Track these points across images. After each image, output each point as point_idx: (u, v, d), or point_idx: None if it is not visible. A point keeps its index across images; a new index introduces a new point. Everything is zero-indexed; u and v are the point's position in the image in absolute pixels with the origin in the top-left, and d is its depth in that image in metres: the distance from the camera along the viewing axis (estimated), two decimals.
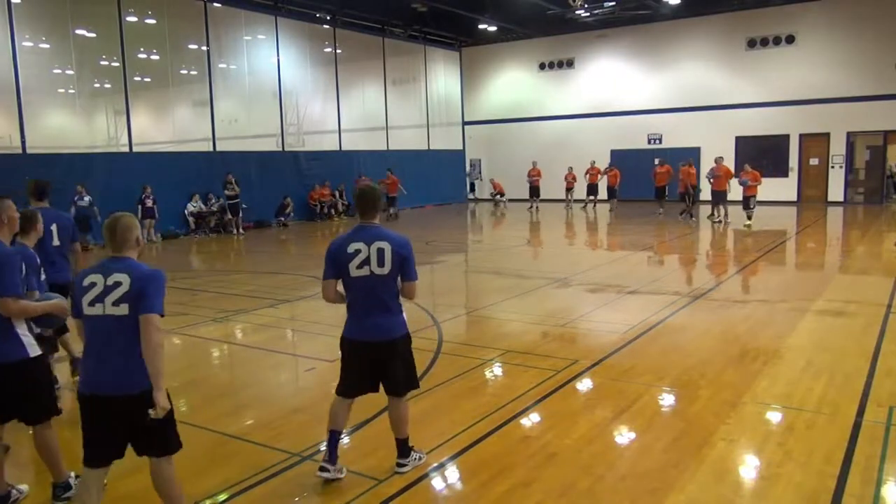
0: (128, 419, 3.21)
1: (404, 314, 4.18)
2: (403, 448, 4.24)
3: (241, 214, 19.60)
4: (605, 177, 23.55)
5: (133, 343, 3.16)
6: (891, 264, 11.32)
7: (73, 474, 4.00)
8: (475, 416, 5.07)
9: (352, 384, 4.18)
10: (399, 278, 4.05)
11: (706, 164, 21.63)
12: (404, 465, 4.22)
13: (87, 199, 16.12)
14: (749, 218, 17.42)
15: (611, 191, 23.47)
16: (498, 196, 27.88)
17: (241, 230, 19.59)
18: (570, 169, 24.53)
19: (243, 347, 7.85)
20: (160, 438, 3.31)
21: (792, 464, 4.19)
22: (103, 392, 3.22)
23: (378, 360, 4.11)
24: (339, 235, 4.16)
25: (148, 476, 3.40)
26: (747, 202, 17.57)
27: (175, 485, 3.42)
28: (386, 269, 3.96)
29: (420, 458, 4.30)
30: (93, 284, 3.23)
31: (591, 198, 23.89)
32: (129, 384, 3.18)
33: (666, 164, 21.70)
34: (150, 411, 3.13)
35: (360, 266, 3.95)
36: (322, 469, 4.06)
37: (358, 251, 3.95)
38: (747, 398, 5.32)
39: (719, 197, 18.14)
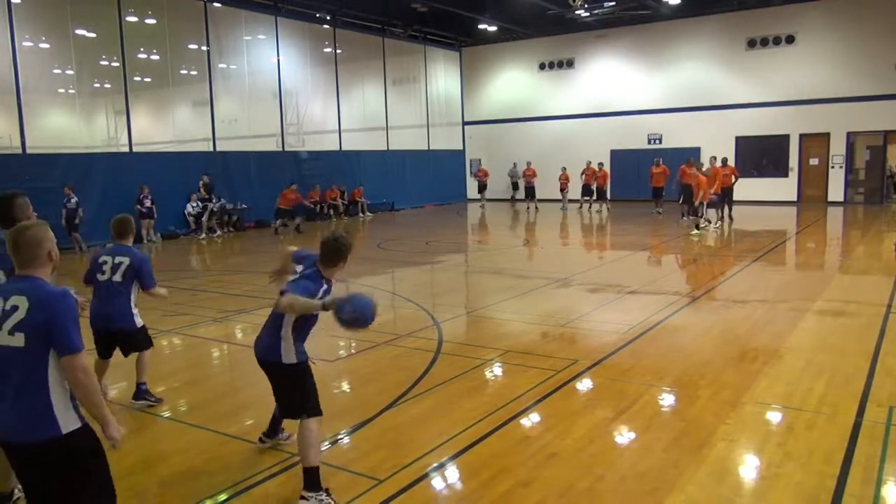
0: (34, 469, 2.71)
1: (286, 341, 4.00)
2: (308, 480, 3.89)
3: (211, 218, 19.16)
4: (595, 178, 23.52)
5: (34, 379, 2.66)
6: (891, 264, 11.32)
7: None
8: (475, 416, 5.07)
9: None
10: None
11: (705, 165, 21.57)
12: (306, 500, 3.82)
13: (73, 200, 16.09)
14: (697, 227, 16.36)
15: (600, 191, 23.48)
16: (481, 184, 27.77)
17: (216, 232, 19.10)
18: (564, 169, 24.50)
19: (243, 347, 7.84)
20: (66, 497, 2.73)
21: (792, 464, 4.19)
22: (3, 437, 2.72)
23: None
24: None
25: (152, 474, 3.38)
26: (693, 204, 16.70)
27: None
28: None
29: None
30: None
31: (587, 198, 23.87)
32: (31, 429, 2.65)
33: (662, 164, 21.69)
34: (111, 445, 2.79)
35: None
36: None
37: None
38: (747, 398, 5.32)
39: (713, 199, 17.46)
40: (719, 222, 17.87)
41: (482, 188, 27.41)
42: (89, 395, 2.71)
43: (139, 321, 5.46)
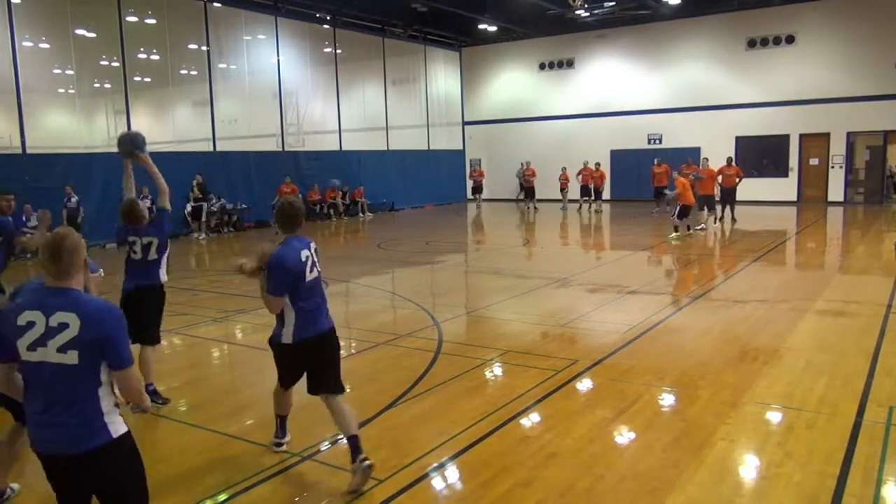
0: (86, 478, 2.71)
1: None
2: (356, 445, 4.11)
3: (204, 219, 19.07)
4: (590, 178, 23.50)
5: (86, 392, 2.66)
6: (891, 264, 11.32)
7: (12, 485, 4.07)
8: (475, 416, 5.07)
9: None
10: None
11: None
12: (367, 461, 4.03)
13: (74, 199, 16.13)
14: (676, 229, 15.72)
15: (596, 192, 23.43)
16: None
17: (205, 234, 18.96)
18: (564, 169, 24.51)
19: (243, 347, 7.85)
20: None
21: (792, 464, 4.19)
22: (55, 451, 2.69)
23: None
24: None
25: (151, 474, 3.36)
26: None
27: None
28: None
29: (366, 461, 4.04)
30: (31, 324, 2.62)
31: (586, 198, 23.86)
32: (85, 438, 2.66)
33: (664, 164, 21.68)
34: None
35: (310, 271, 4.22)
36: (277, 444, 4.64)
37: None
38: (747, 398, 5.32)
39: (706, 201, 17.26)
40: (718, 222, 17.87)
41: (478, 189, 27.53)
42: (140, 398, 2.86)
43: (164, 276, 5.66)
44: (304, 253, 4.14)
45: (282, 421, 4.66)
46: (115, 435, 2.71)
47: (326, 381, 4.23)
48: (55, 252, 2.65)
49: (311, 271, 4.18)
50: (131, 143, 5.86)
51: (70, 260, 2.69)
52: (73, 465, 2.67)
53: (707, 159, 18.36)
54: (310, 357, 4.22)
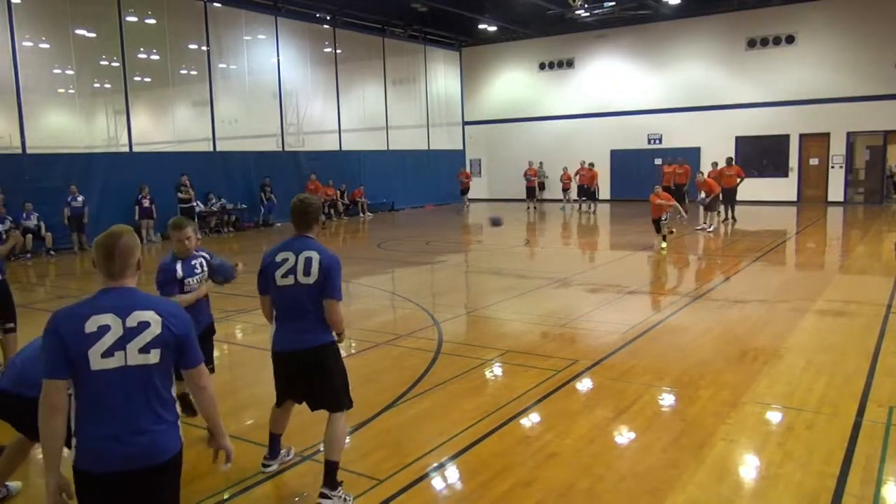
0: (147, 493, 2.55)
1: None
2: (330, 475, 3.83)
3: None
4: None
5: (163, 397, 2.57)
6: (891, 264, 11.32)
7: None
8: (475, 416, 5.07)
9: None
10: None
11: (705, 165, 21.54)
12: (326, 499, 3.77)
13: (80, 198, 16.14)
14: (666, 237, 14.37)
15: (589, 191, 23.45)
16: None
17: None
18: (565, 169, 24.53)
19: (243, 347, 7.85)
20: None
21: (792, 464, 4.19)
22: (136, 465, 2.50)
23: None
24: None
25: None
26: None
27: None
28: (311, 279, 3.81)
29: (347, 501, 3.82)
30: (104, 329, 2.46)
31: (585, 198, 23.86)
32: (161, 450, 2.55)
33: (686, 164, 21.51)
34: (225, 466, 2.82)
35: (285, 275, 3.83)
36: (265, 465, 4.26)
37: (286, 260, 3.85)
38: (747, 398, 5.32)
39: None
40: (722, 224, 17.86)
41: (464, 191, 26.55)
42: (212, 402, 2.74)
43: None
44: (284, 255, 3.81)
45: (273, 440, 4.29)
46: (180, 446, 2.63)
47: (319, 399, 3.97)
48: (109, 252, 2.55)
49: (286, 276, 3.79)
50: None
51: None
52: (150, 478, 2.52)
53: (716, 164, 18.50)
54: (293, 371, 3.95)
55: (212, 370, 5.29)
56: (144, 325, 2.50)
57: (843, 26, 22.77)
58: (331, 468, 3.82)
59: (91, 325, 2.44)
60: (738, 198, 18.68)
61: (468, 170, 28.80)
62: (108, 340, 2.45)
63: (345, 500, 3.80)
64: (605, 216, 22.52)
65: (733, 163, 18.79)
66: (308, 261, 3.78)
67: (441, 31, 27.94)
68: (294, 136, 23.57)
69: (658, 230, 14.30)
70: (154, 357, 2.51)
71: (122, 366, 2.47)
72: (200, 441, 4.85)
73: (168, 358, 2.57)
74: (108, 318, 2.46)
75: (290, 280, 3.79)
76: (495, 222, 13.69)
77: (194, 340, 2.66)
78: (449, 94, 29.77)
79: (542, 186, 26.59)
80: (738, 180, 18.22)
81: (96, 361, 2.43)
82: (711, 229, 16.79)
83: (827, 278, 10.88)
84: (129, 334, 2.48)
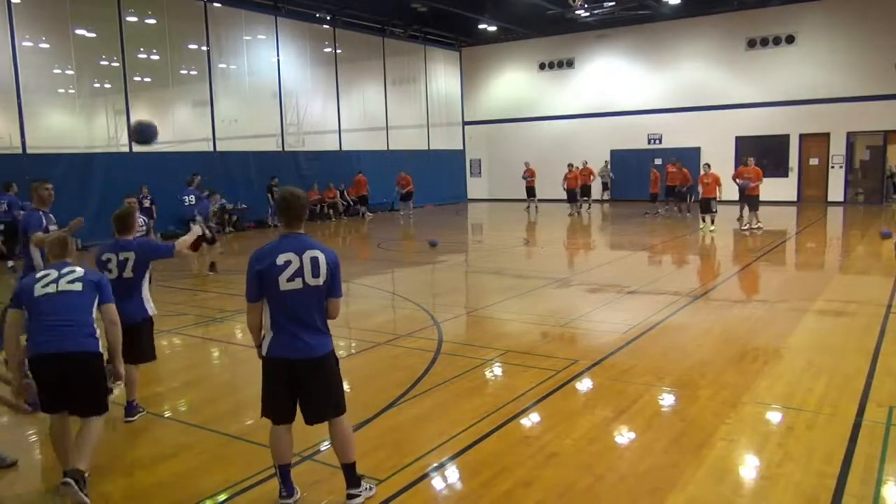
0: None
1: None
2: (352, 476, 3.83)
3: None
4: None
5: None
6: (891, 264, 11.32)
7: None
8: (475, 416, 5.07)
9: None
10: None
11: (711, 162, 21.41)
12: (355, 497, 3.80)
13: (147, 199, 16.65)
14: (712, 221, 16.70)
15: (585, 190, 23.42)
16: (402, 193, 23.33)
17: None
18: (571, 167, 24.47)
19: (244, 347, 7.84)
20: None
21: (792, 464, 4.19)
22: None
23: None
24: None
25: (152, 474, 3.38)
26: (752, 202, 16.70)
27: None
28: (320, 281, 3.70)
29: (371, 489, 3.90)
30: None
31: (584, 198, 23.83)
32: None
33: (685, 167, 21.45)
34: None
35: (290, 279, 3.64)
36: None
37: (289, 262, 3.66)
38: (747, 398, 5.32)
39: (706, 203, 16.96)
40: (747, 225, 17.27)
41: (406, 197, 23.19)
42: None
43: (151, 308, 5.38)
44: (286, 257, 3.61)
45: (282, 472, 3.80)
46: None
47: (320, 409, 3.79)
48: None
49: (293, 280, 3.59)
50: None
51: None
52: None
53: (708, 165, 18.17)
54: (296, 377, 3.70)
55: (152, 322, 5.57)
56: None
57: (843, 26, 22.77)
58: (350, 470, 3.83)
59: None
60: (736, 198, 18.43)
61: (406, 173, 23.75)
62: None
63: (370, 489, 3.92)
64: (605, 216, 22.51)
65: (748, 163, 17.29)
66: (315, 261, 3.63)
67: (441, 31, 27.94)
68: (294, 136, 23.56)
69: (708, 210, 15.93)
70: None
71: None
72: (199, 444, 4.86)
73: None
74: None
75: (297, 284, 3.60)
76: (432, 244, 15.17)
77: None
78: (449, 94, 29.77)
79: (605, 186, 26.75)
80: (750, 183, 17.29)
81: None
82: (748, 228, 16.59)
83: (827, 278, 10.88)
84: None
